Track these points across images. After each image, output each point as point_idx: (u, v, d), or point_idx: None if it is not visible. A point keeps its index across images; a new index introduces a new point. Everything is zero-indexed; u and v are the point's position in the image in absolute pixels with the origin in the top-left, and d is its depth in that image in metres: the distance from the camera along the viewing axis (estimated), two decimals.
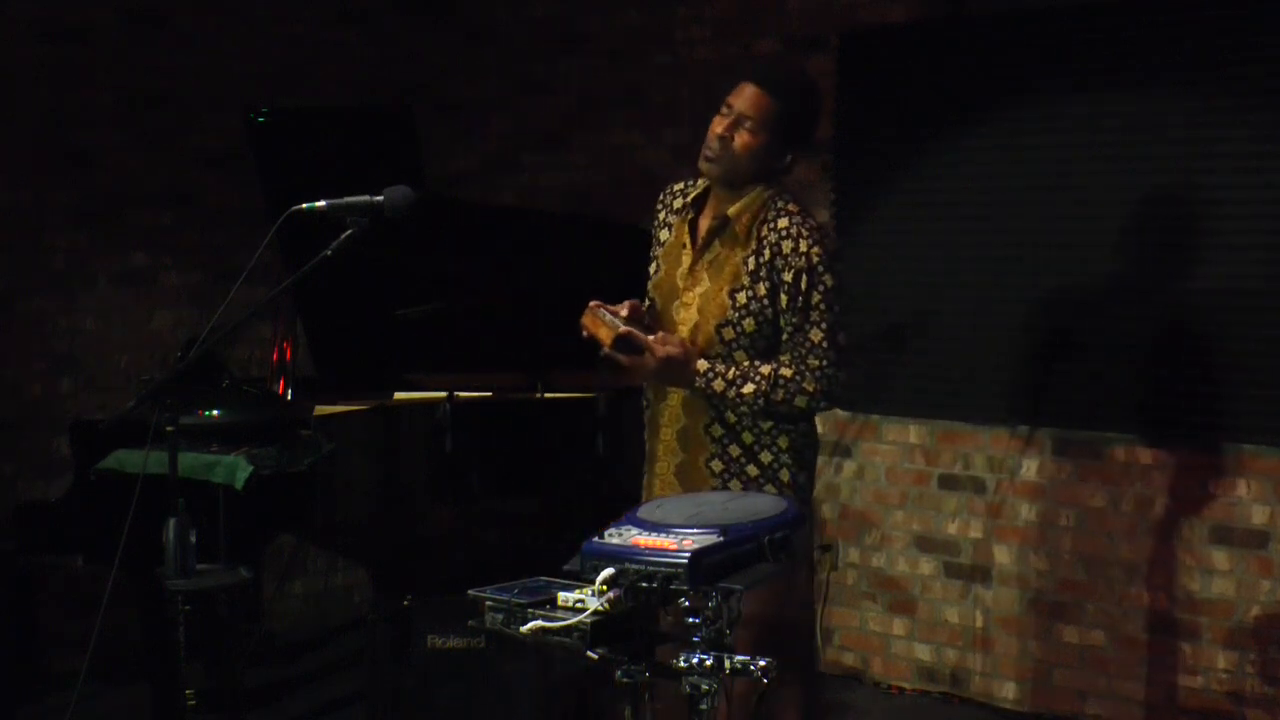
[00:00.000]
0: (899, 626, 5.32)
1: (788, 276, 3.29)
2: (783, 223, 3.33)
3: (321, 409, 4.63)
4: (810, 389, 3.31)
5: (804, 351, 3.31)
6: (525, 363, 4.90)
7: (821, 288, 3.30)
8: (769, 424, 3.38)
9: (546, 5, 6.12)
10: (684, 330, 3.41)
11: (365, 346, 5.16)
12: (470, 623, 2.62)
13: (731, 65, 5.55)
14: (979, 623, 5.13)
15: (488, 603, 2.56)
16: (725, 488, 3.41)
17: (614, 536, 2.52)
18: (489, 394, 4.81)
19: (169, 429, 3.34)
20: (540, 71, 6.08)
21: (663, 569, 2.40)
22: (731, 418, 3.38)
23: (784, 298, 3.31)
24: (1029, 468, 4.98)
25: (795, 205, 3.38)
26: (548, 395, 4.80)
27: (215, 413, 4.26)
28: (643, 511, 2.63)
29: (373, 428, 4.63)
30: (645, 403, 3.58)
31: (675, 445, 3.46)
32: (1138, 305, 4.70)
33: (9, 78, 5.31)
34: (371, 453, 4.61)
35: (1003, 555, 5.06)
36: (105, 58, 5.54)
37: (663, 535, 2.49)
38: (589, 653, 2.46)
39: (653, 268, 3.55)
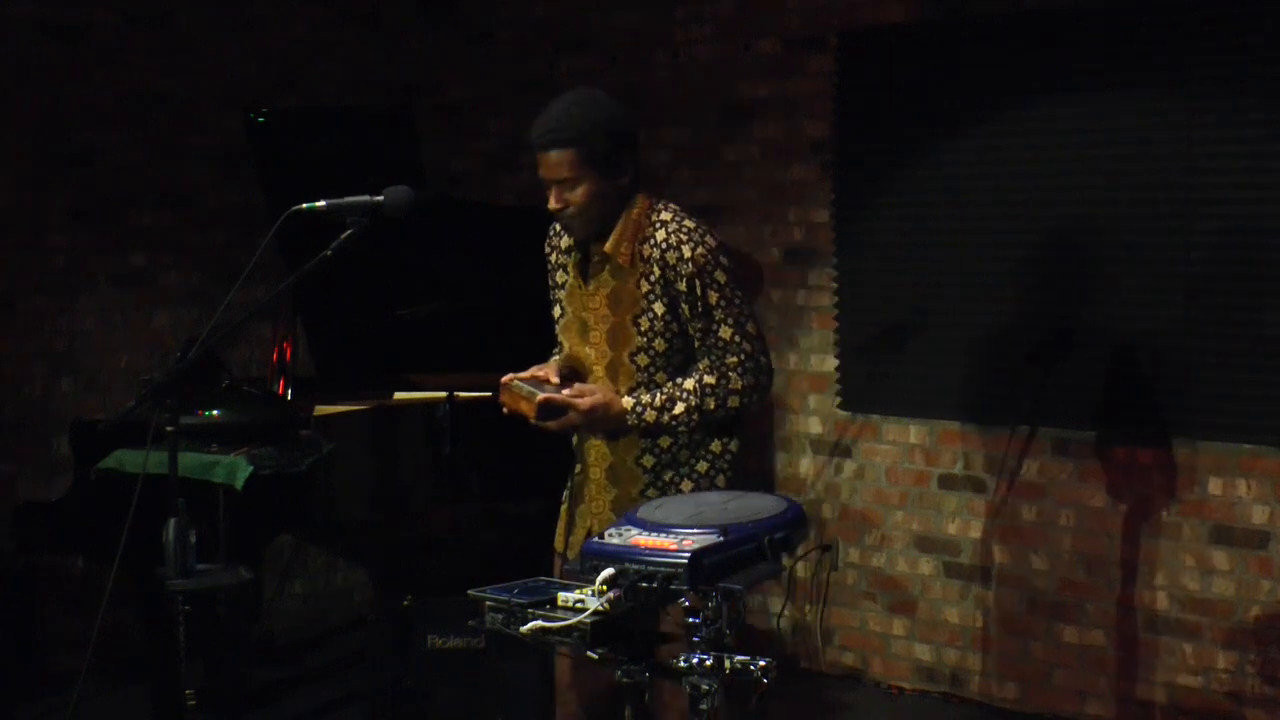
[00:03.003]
0: (899, 626, 5.32)
1: (681, 286, 3.29)
2: (660, 235, 3.31)
3: (321, 409, 4.63)
4: (738, 386, 3.32)
5: (719, 353, 3.32)
6: (525, 363, 4.89)
7: (715, 285, 3.29)
8: (699, 434, 3.40)
9: (546, 5, 6.12)
10: (599, 367, 3.41)
11: (365, 346, 5.16)
12: (470, 623, 2.62)
13: (732, 65, 5.56)
14: (979, 623, 5.13)
15: (488, 603, 2.56)
16: None
17: (614, 536, 2.52)
18: (489, 394, 4.80)
19: (169, 429, 3.33)
20: (540, 71, 6.08)
21: (663, 569, 2.40)
22: (665, 442, 3.40)
23: (684, 307, 3.31)
24: (1029, 468, 4.98)
25: (669, 211, 3.36)
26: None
27: (215, 413, 4.25)
28: (643, 511, 2.63)
29: (373, 428, 4.63)
30: (574, 440, 3.56)
31: (605, 482, 3.46)
32: (1138, 304, 4.70)
33: (9, 78, 5.31)
34: (371, 453, 4.61)
35: (1003, 555, 5.06)
36: (105, 58, 5.54)
37: (663, 535, 2.49)
38: (589, 653, 2.46)
39: (556, 311, 3.55)
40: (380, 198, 3.15)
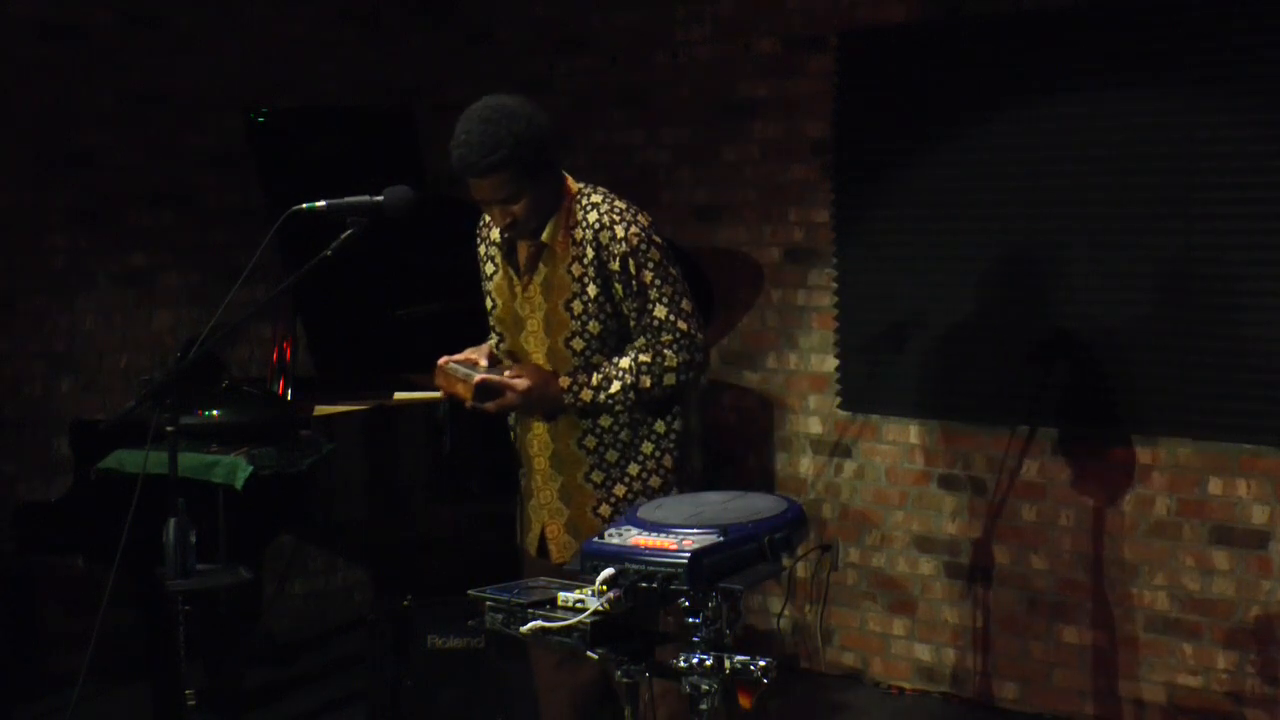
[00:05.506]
0: (899, 626, 5.32)
1: (615, 266, 3.32)
2: (592, 217, 3.34)
3: (321, 409, 4.63)
4: (674, 364, 3.35)
5: (654, 331, 3.35)
6: None
7: (650, 264, 3.33)
8: (638, 414, 3.43)
9: (546, 5, 6.12)
10: (538, 356, 3.43)
11: (365, 346, 5.16)
12: (470, 623, 2.62)
13: (732, 65, 5.56)
14: (979, 623, 5.13)
15: (488, 603, 2.56)
16: (609, 495, 3.44)
17: (614, 536, 2.52)
18: None
19: (169, 429, 3.34)
20: (540, 71, 6.08)
21: (663, 569, 2.40)
22: (606, 421, 3.42)
23: (618, 286, 3.33)
24: (1029, 468, 4.98)
25: (599, 194, 3.39)
26: None
27: (215, 413, 4.25)
28: (643, 511, 2.63)
29: (373, 428, 4.63)
30: (512, 436, 3.59)
31: (550, 470, 3.48)
32: (1138, 304, 4.70)
33: (9, 78, 5.31)
34: (371, 453, 4.61)
35: (1003, 555, 5.06)
36: (105, 58, 5.54)
37: (663, 535, 2.49)
38: (589, 653, 2.46)
39: (489, 303, 3.57)
40: (380, 198, 3.15)
